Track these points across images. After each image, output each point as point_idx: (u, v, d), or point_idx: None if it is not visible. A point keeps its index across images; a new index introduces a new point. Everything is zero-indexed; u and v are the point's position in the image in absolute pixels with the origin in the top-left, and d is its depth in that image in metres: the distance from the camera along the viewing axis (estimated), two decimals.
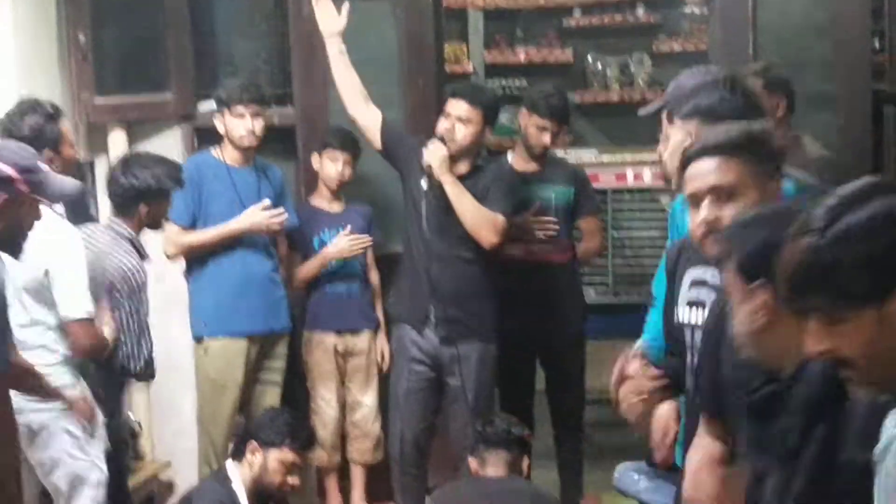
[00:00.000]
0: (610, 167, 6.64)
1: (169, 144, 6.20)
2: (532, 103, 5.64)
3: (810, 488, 2.37)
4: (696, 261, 3.12)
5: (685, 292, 3.16)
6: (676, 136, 3.16)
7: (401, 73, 6.04)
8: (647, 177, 6.58)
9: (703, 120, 3.09)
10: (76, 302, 4.41)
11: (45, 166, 3.75)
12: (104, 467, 4.54)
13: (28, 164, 3.61)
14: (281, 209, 5.56)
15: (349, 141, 5.78)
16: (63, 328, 4.44)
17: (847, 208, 1.94)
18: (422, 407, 5.38)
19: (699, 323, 3.07)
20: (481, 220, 5.18)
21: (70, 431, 4.45)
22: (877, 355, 1.94)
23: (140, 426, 6.10)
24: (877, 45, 6.25)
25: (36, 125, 4.41)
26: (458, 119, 5.21)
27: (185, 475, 5.96)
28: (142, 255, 4.91)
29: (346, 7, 5.31)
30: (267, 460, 4.52)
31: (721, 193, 2.78)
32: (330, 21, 5.35)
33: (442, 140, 5.19)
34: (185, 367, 5.78)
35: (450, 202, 5.16)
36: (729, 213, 2.74)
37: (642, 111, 3.50)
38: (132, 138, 6.20)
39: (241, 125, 5.53)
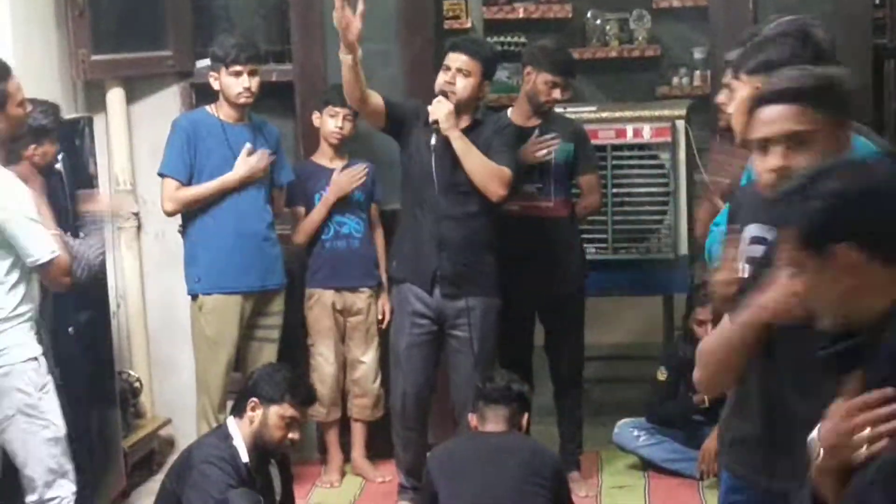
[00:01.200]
0: (609, 123, 6.61)
1: (167, 101, 6.20)
2: (537, 61, 5.63)
3: None
4: (755, 217, 3.03)
5: (745, 248, 3.05)
6: (743, 91, 3.05)
7: (399, 30, 6.02)
8: (647, 133, 6.55)
9: (771, 76, 2.94)
10: (41, 244, 4.34)
11: None
12: (60, 423, 4.49)
13: None
14: (266, 150, 5.55)
15: None
16: (32, 273, 4.40)
17: None
18: (424, 361, 5.39)
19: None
20: (489, 174, 5.19)
21: (21, 389, 4.40)
22: None
23: (140, 383, 6.13)
24: None
25: None
26: (459, 71, 5.20)
27: (186, 432, 5.98)
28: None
29: (360, 8, 4.93)
30: (267, 416, 4.52)
31: (794, 141, 2.68)
32: (352, 30, 4.98)
33: (444, 94, 5.18)
34: (185, 325, 5.80)
35: (456, 157, 5.16)
36: (800, 161, 2.64)
37: (729, 55, 3.39)
38: (130, 95, 6.19)
39: (238, 83, 5.51)
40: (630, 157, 6.53)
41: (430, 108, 5.17)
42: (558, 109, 5.88)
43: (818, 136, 2.67)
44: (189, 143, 5.55)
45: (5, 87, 4.39)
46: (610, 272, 6.49)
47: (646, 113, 6.73)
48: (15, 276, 4.38)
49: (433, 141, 5.17)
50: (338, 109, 5.78)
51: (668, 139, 6.49)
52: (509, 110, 5.83)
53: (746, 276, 3.04)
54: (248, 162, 5.51)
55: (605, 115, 6.70)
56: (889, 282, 2.23)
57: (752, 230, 3.06)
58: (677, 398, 5.88)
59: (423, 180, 5.25)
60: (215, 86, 5.58)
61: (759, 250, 3.02)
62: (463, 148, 5.16)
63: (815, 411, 2.40)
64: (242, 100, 5.54)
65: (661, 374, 5.94)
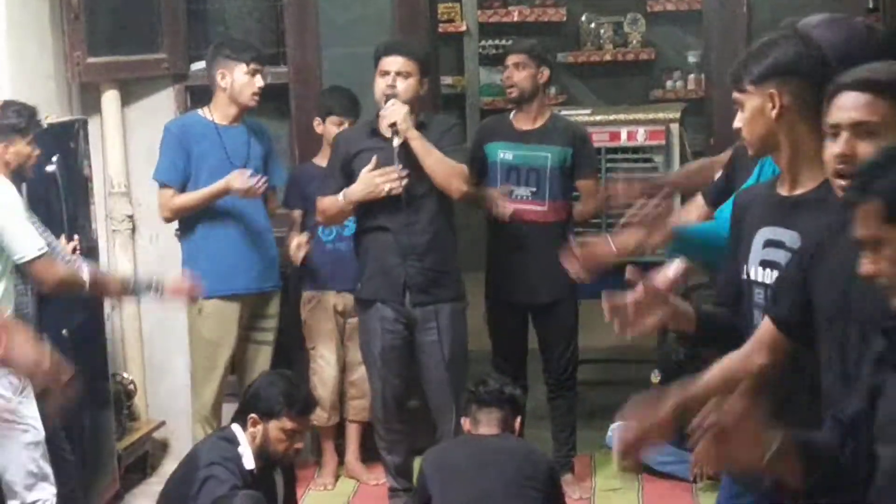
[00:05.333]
0: (603, 126, 6.62)
1: (162, 104, 6.20)
2: (504, 52, 5.70)
3: None
4: (770, 220, 3.06)
5: (758, 251, 3.08)
6: (753, 102, 3.02)
7: (393, 33, 6.01)
8: (641, 136, 6.56)
9: (783, 79, 2.97)
10: (27, 242, 4.35)
11: None
12: (40, 427, 4.50)
13: None
14: (260, 176, 5.48)
15: (351, 105, 5.78)
16: (11, 273, 4.42)
17: None
18: (400, 363, 5.36)
19: (773, 283, 3.02)
20: (451, 171, 5.17)
21: (0, 394, 4.40)
22: None
23: (134, 386, 6.13)
24: (871, 3, 6.24)
25: None
26: (398, 74, 5.18)
27: (180, 435, 5.98)
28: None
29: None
30: (268, 431, 4.48)
31: (862, 130, 2.69)
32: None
33: (387, 99, 5.15)
34: (179, 328, 5.80)
35: (414, 161, 5.14)
36: (865, 150, 2.66)
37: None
38: (125, 98, 6.19)
39: (254, 83, 5.47)
40: (624, 160, 6.53)
41: (383, 113, 5.14)
42: (565, 112, 5.87)
43: (888, 129, 2.67)
44: (181, 148, 5.52)
45: None
46: (603, 275, 6.48)
47: (640, 116, 6.74)
48: None
49: (395, 143, 5.13)
50: (342, 119, 5.75)
51: (663, 142, 6.51)
52: (512, 114, 5.81)
53: (768, 281, 3.04)
54: (236, 180, 5.40)
55: (599, 118, 6.71)
56: None
57: (766, 233, 3.07)
58: None
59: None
60: (223, 84, 5.52)
61: (778, 255, 3.02)
62: (422, 147, 5.13)
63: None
64: (254, 101, 5.52)
65: (655, 377, 5.93)
